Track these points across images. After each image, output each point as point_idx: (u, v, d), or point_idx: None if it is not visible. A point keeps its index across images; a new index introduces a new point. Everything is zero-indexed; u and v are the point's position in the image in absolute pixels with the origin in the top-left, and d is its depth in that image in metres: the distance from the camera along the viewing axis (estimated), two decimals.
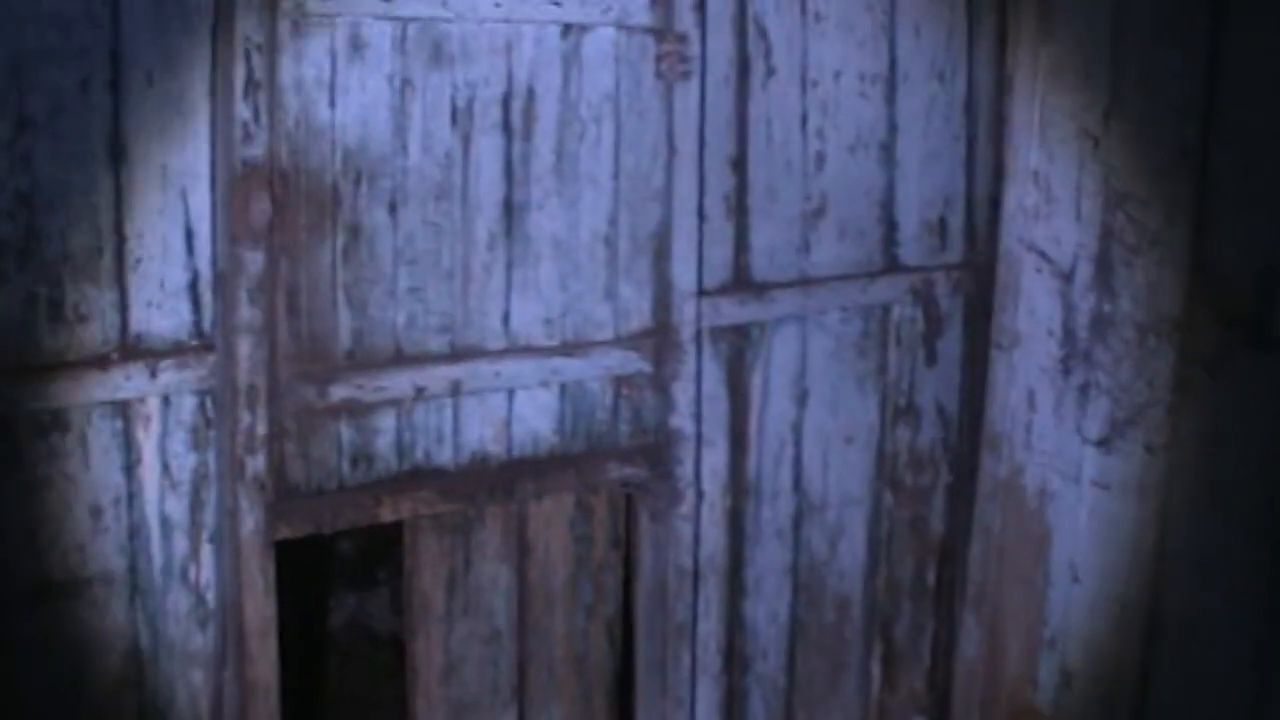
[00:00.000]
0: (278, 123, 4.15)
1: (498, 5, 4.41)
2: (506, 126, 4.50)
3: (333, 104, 4.24)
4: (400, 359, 4.43)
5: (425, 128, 4.38)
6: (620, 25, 4.63)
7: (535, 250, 4.60)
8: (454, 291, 4.48)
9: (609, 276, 4.73)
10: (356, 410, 4.38)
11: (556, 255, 4.64)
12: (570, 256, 4.66)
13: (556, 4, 4.51)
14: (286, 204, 4.19)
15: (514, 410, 4.64)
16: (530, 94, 4.53)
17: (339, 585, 6.78)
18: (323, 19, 4.19)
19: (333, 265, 4.29)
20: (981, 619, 5.55)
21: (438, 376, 4.46)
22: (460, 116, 4.43)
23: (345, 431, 4.38)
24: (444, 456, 4.56)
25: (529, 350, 4.63)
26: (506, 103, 4.50)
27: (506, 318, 4.58)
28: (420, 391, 4.44)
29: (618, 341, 4.78)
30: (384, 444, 4.45)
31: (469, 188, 4.46)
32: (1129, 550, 5.06)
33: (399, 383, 4.41)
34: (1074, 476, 5.21)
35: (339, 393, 4.33)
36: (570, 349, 4.69)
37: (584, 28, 4.58)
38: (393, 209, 4.36)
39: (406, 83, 4.33)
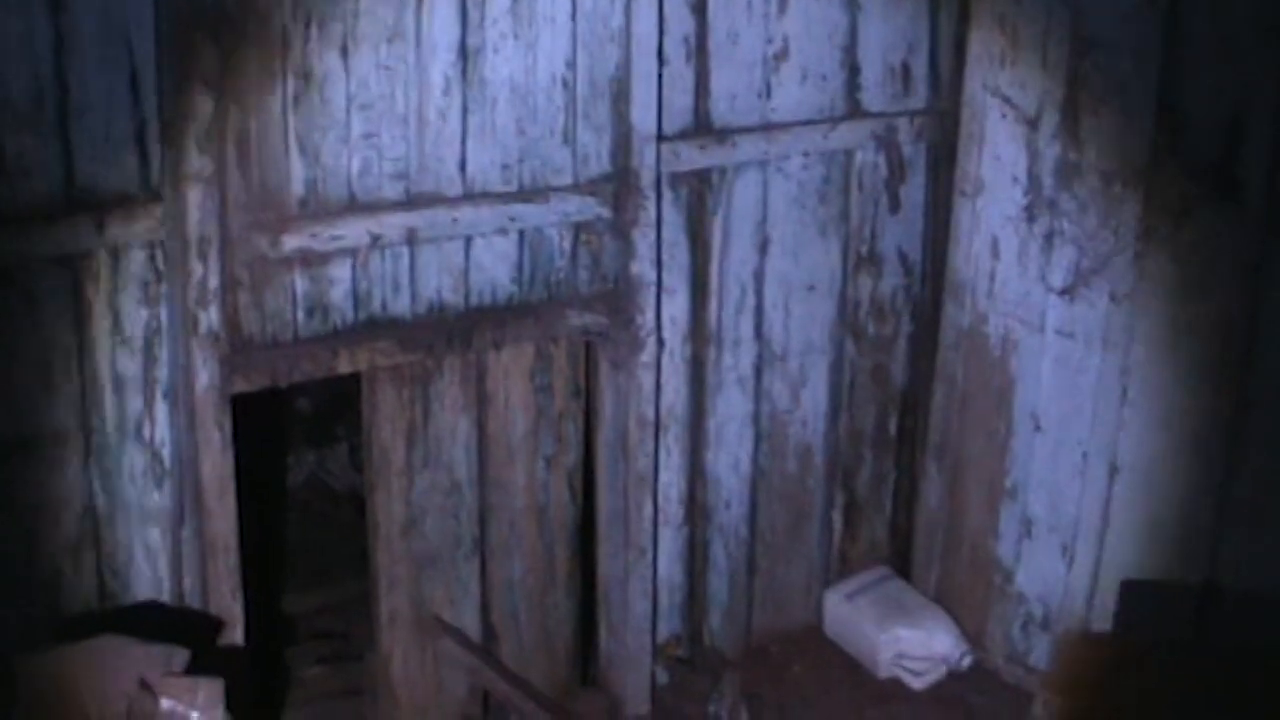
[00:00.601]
0: None
1: None
2: None
3: None
4: (355, 207, 4.29)
5: None
6: None
7: (491, 94, 4.43)
8: (409, 137, 4.32)
9: (567, 121, 4.58)
10: (311, 260, 4.24)
11: (513, 99, 4.47)
12: (527, 101, 4.50)
13: None
14: (235, 49, 4.01)
15: (471, 258, 4.51)
16: None
17: (297, 442, 6.67)
18: None
19: (284, 111, 4.13)
20: (944, 468, 5.51)
21: (393, 224, 4.33)
22: None
23: (300, 282, 4.25)
24: (401, 306, 4.44)
25: (486, 197, 4.49)
26: None
27: (463, 164, 4.43)
28: (376, 240, 4.31)
29: (576, 187, 4.64)
30: (339, 294, 4.32)
31: (423, 30, 4.28)
32: (1091, 398, 5.00)
33: (354, 231, 4.27)
34: (1038, 325, 5.14)
35: (293, 242, 4.19)
36: (528, 195, 4.55)
37: None
38: (344, 53, 4.18)
39: None
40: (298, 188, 4.19)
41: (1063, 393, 5.06)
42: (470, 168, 4.44)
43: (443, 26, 4.30)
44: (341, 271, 4.29)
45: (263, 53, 4.06)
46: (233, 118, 4.05)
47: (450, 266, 4.47)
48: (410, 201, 4.35)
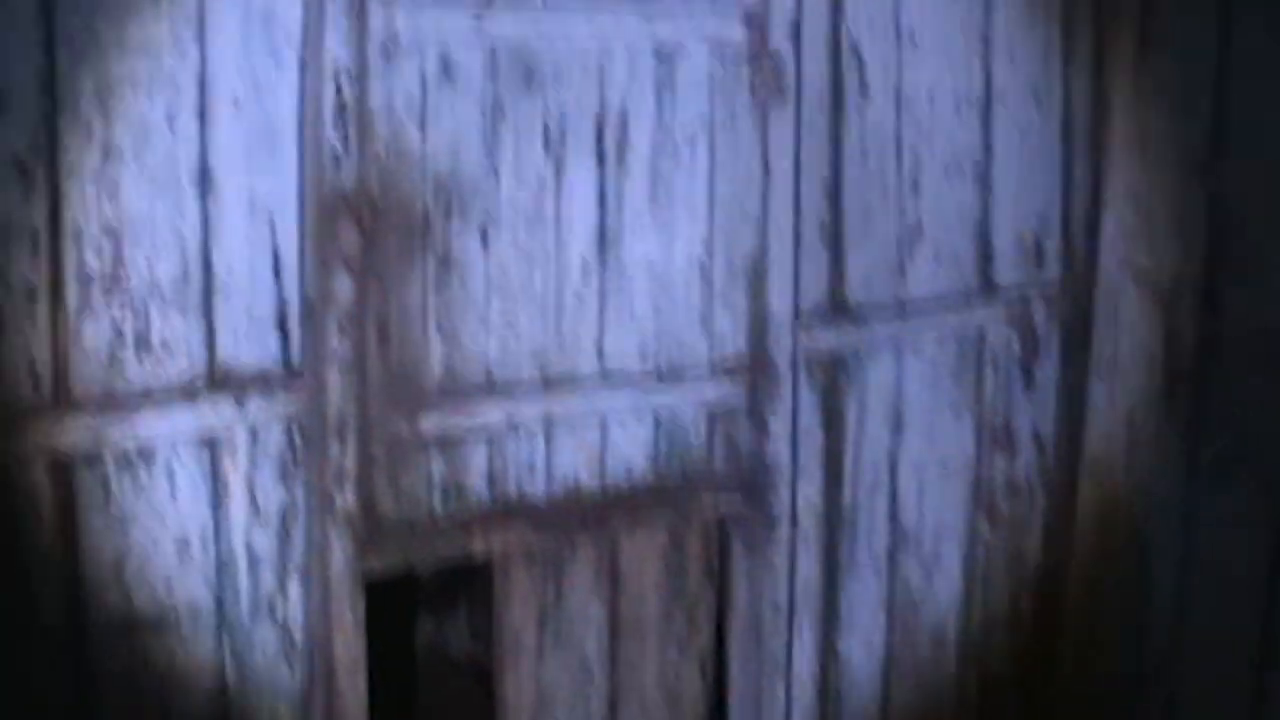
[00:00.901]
0: (367, 150, 3.98)
1: (591, 28, 4.23)
2: (599, 152, 4.32)
3: (423, 130, 4.07)
4: (492, 389, 4.25)
5: (517, 154, 4.21)
6: (714, 47, 4.44)
7: (629, 278, 4.41)
8: (547, 321, 4.30)
9: (704, 304, 4.54)
10: (448, 441, 4.21)
11: (651, 283, 4.45)
12: (664, 284, 4.47)
13: (651, 28, 4.32)
14: (376, 232, 4.02)
15: (608, 441, 4.46)
16: (623, 118, 4.35)
17: (417, 610, 6.62)
18: (413, 44, 4.02)
19: (424, 294, 4.12)
20: (1080, 652, 5.33)
21: (530, 407, 4.29)
22: (552, 142, 4.25)
23: (436, 463, 4.21)
24: (536, 488, 4.38)
25: (623, 380, 4.44)
26: (599, 128, 4.32)
27: (600, 347, 4.39)
28: (512, 422, 4.26)
29: (713, 370, 4.58)
30: (475, 476, 4.28)
31: (562, 215, 4.28)
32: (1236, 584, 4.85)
33: (491, 413, 4.23)
34: (1176, 505, 4.99)
35: (430, 424, 4.16)
36: (665, 378, 4.50)
37: (677, 50, 4.40)
38: (484, 237, 4.18)
39: (498, 108, 4.16)
40: (436, 370, 4.16)
41: (1209, 579, 4.91)
42: (607, 351, 4.40)
43: (581, 211, 4.31)
44: (478, 454, 4.25)
45: (404, 236, 4.07)
46: (373, 300, 4.05)
47: (586, 449, 4.42)
48: (547, 384, 4.32)
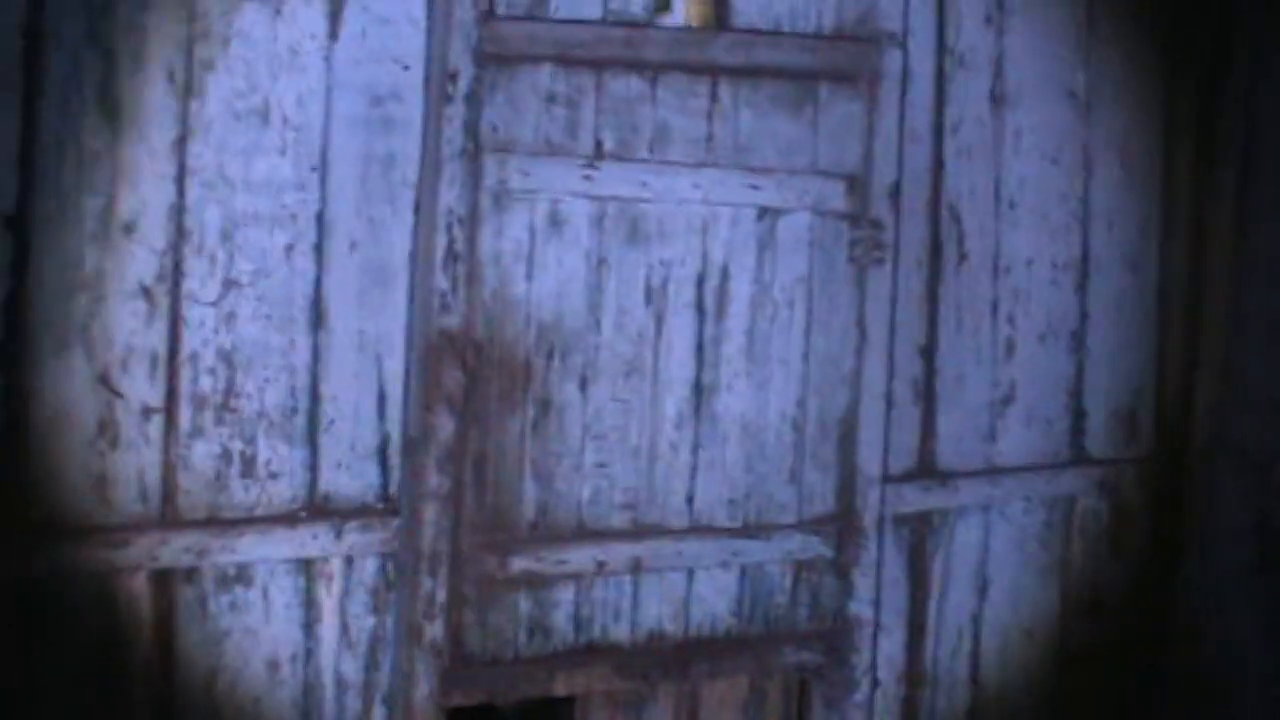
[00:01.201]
0: (474, 294, 4.13)
1: (696, 187, 4.36)
2: (699, 306, 4.44)
3: (529, 278, 4.20)
4: (582, 533, 4.34)
5: (619, 305, 4.33)
6: (816, 210, 4.55)
7: (722, 431, 4.49)
8: (640, 468, 4.39)
9: (794, 459, 4.61)
10: (536, 582, 4.29)
11: (743, 436, 4.53)
12: (757, 438, 4.55)
13: (755, 188, 4.45)
14: (479, 374, 4.15)
15: (693, 589, 4.52)
16: (724, 274, 4.46)
17: None
18: (524, 194, 4.17)
19: (521, 436, 4.23)
20: None
21: (619, 552, 4.36)
22: (654, 295, 4.38)
23: (524, 602, 4.29)
24: (620, 632, 4.44)
25: (711, 530, 4.51)
26: (700, 283, 4.44)
27: (690, 497, 4.47)
28: (601, 566, 4.35)
29: (800, 525, 4.64)
30: (561, 617, 4.35)
31: (660, 366, 4.39)
32: None
33: (580, 557, 4.31)
34: (1266, 680, 4.94)
35: (520, 564, 4.25)
36: (752, 531, 4.56)
37: (780, 211, 4.51)
38: (583, 384, 4.29)
39: (603, 260, 4.30)
40: (529, 511, 4.26)
41: None
42: (697, 501, 4.48)
43: (679, 364, 4.41)
44: (565, 595, 4.33)
45: (505, 380, 4.20)
46: (472, 440, 4.17)
47: (671, 596, 4.48)
48: (637, 531, 4.39)
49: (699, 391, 4.45)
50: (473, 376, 4.13)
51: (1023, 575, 5.11)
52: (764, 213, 4.49)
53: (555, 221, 4.21)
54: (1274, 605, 4.95)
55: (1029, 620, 5.14)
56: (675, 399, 4.42)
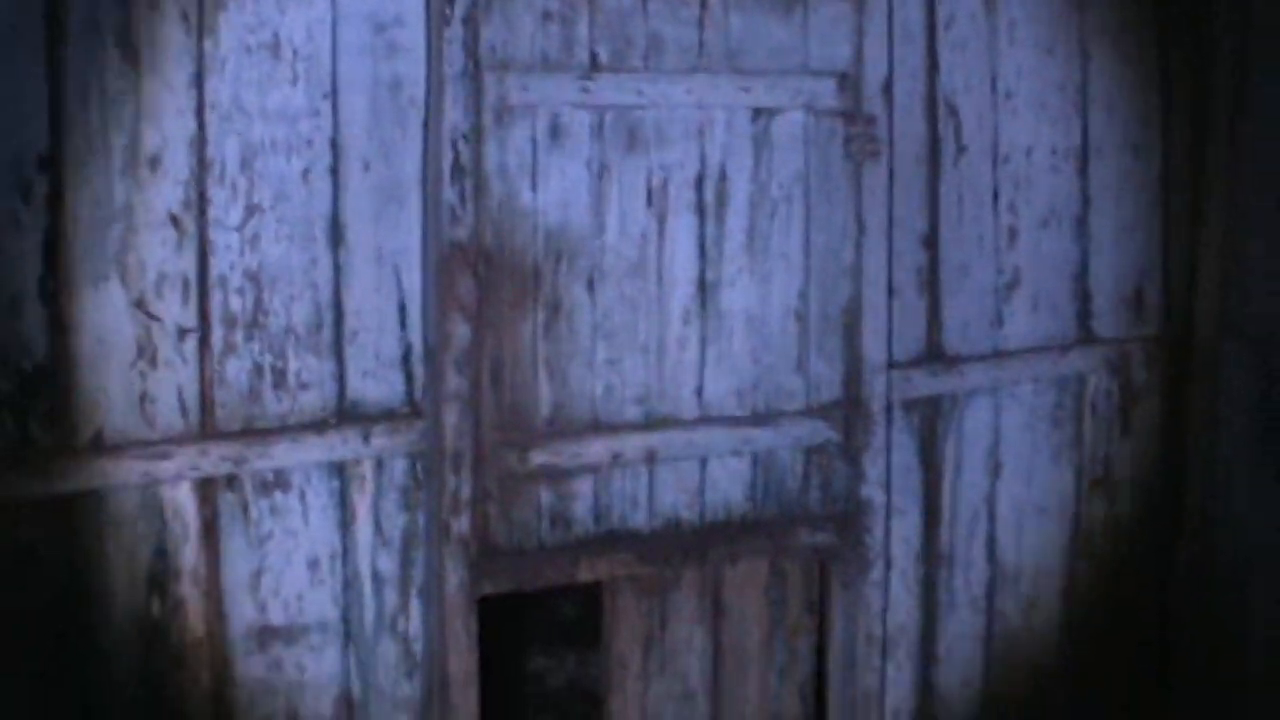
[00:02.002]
0: (482, 206, 4.48)
1: (689, 92, 4.68)
2: (699, 207, 4.76)
3: (534, 188, 4.55)
4: (597, 427, 4.71)
5: (622, 209, 4.67)
6: (809, 109, 4.86)
7: (728, 325, 4.84)
8: (649, 364, 4.75)
9: (800, 350, 4.94)
10: (556, 475, 4.66)
11: (748, 330, 4.87)
12: (761, 331, 4.88)
13: (746, 90, 4.76)
14: (491, 282, 4.51)
15: (707, 478, 4.87)
16: (722, 175, 4.78)
17: (560, 647, 7.05)
18: (524, 109, 4.51)
19: (534, 339, 4.59)
20: (1181, 692, 5.59)
21: (633, 445, 4.72)
22: (656, 198, 4.71)
23: (545, 495, 4.66)
24: (639, 521, 4.81)
25: (721, 420, 4.86)
26: (699, 184, 4.76)
27: (700, 389, 4.82)
28: (616, 458, 4.71)
29: (808, 412, 4.97)
30: (581, 508, 4.72)
31: (664, 266, 4.73)
32: None
33: (596, 450, 4.68)
34: (1271, 549, 5.23)
35: (539, 459, 4.62)
36: (761, 419, 4.91)
37: (774, 112, 4.82)
38: (591, 286, 4.65)
39: (604, 167, 4.63)
40: (545, 409, 4.64)
41: None
42: (707, 393, 4.84)
43: (683, 263, 4.76)
44: (584, 487, 4.71)
45: (516, 286, 4.56)
46: (488, 344, 4.54)
47: (686, 485, 4.84)
48: (649, 424, 4.76)
49: (703, 288, 4.79)
50: (485, 284, 4.49)
51: (1035, 455, 5.41)
52: (758, 114, 4.80)
53: (556, 133, 4.56)
54: (1276, 477, 5.20)
55: (1043, 499, 5.46)
56: (681, 296, 4.76)
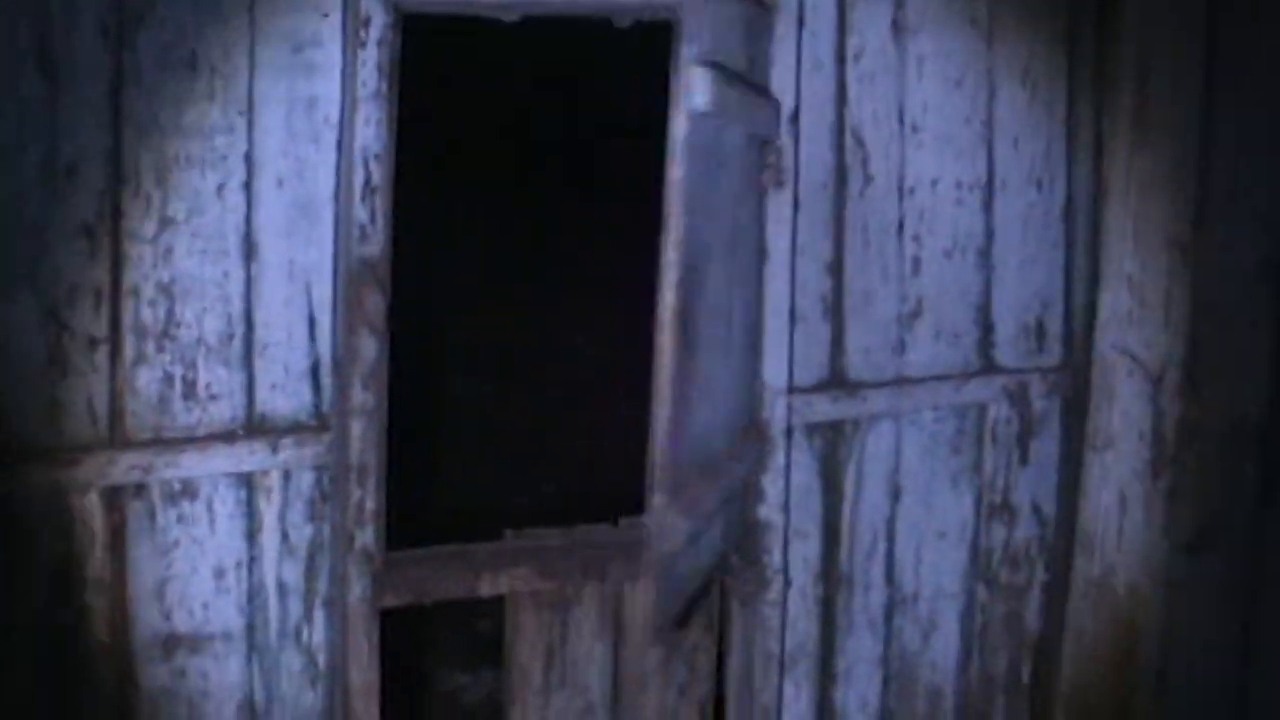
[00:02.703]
0: (391, 224, 4.71)
1: None
2: None
3: None
4: None
5: None
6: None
7: None
8: None
9: None
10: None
11: None
12: None
13: None
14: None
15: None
16: None
17: (477, 664, 7.29)
18: None
19: None
20: (1072, 718, 5.88)
21: None
22: None
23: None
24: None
25: None
26: None
27: None
28: None
29: None
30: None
31: None
32: (1216, 654, 5.37)
33: None
34: (1162, 579, 5.53)
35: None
36: None
37: None
38: None
39: None
40: None
41: (1190, 647, 5.43)
42: None
43: None
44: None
45: None
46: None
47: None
48: None
49: None
50: (391, 301, 4.74)
51: (935, 480, 5.70)
52: None
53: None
54: (1165, 504, 5.50)
55: (942, 523, 5.74)
56: None
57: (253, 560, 4.77)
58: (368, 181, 4.63)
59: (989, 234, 5.69)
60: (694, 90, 4.39)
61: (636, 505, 5.07)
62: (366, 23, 4.58)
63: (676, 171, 4.41)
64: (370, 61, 4.60)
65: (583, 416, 10.61)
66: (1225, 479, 5.33)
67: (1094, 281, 5.78)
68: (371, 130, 4.62)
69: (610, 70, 12.43)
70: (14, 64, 4.29)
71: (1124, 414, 5.65)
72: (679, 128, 4.40)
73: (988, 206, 5.67)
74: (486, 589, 4.99)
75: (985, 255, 5.68)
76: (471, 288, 12.75)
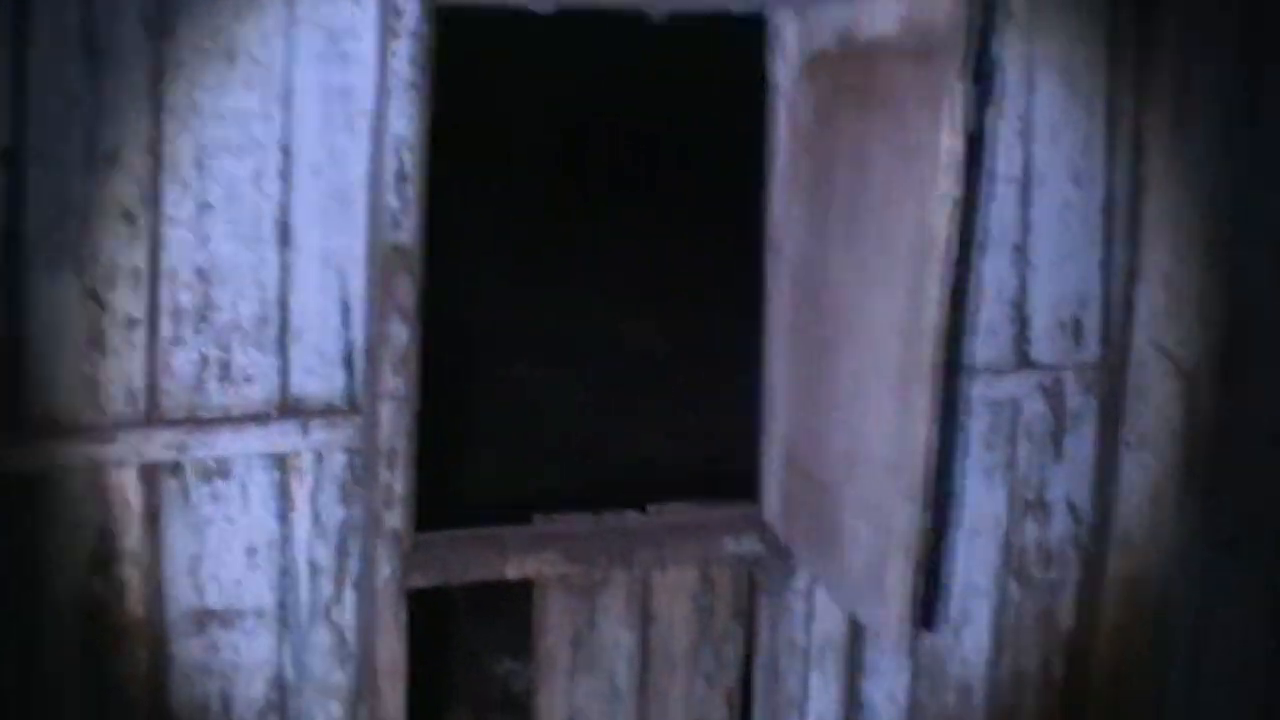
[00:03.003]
0: (423, 211, 4.87)
1: None
2: None
3: None
4: None
5: None
6: None
7: None
8: None
9: None
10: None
11: None
12: None
13: None
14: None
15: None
16: None
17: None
18: None
19: None
20: (1104, 715, 5.95)
21: None
22: None
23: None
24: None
25: None
26: None
27: None
28: None
29: None
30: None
31: None
32: (1249, 653, 5.44)
33: None
34: (1197, 578, 5.60)
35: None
36: None
37: None
38: None
39: None
40: None
41: (1222, 646, 5.50)
42: None
43: None
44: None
45: None
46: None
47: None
48: None
49: None
50: (422, 287, 4.90)
51: (967, 476, 5.79)
52: None
53: None
54: (1198, 503, 5.56)
55: (975, 519, 5.82)
56: None
57: (284, 539, 4.93)
58: (400, 170, 4.78)
59: (1025, 229, 5.75)
60: None
61: (672, 492, 5.18)
62: (400, 14, 4.73)
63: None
64: (403, 52, 4.75)
65: (633, 404, 10.76)
66: (1260, 477, 5.38)
67: (1131, 278, 5.83)
68: (404, 120, 4.77)
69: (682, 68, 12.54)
70: (60, 53, 4.47)
71: (1159, 411, 5.72)
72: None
73: (1024, 202, 5.74)
74: (513, 572, 5.13)
75: (1021, 250, 5.75)
76: (521, 276, 12.90)
